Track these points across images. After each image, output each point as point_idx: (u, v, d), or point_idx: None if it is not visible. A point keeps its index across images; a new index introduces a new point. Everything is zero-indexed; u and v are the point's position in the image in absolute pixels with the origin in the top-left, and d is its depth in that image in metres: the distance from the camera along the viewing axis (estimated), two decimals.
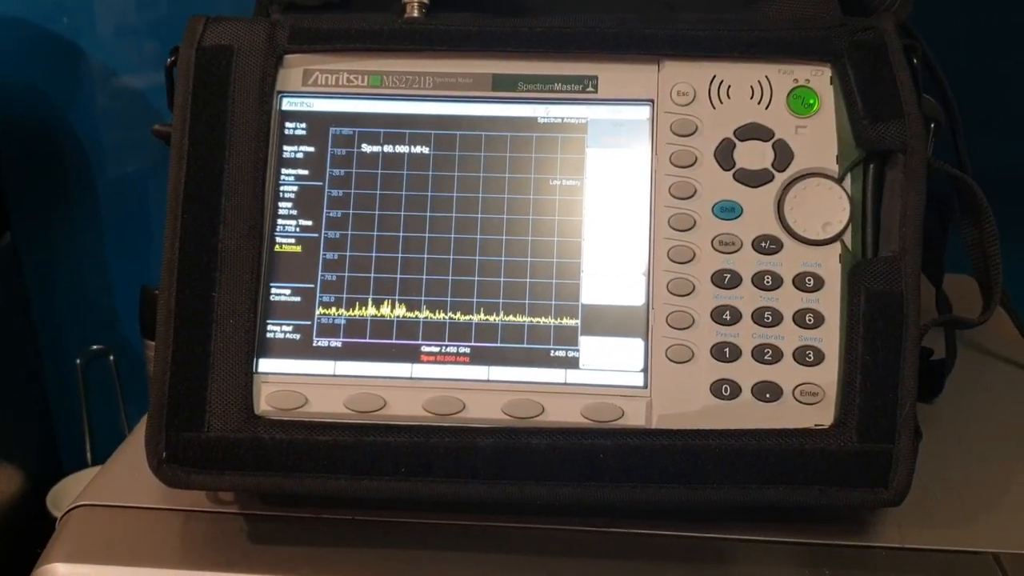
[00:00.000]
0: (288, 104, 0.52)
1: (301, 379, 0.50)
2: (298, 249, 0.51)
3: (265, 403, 0.49)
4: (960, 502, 0.53)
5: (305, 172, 0.52)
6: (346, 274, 0.51)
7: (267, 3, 0.59)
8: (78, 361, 1.09)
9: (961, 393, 0.62)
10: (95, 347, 1.09)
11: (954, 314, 0.53)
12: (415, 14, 0.56)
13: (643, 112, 0.51)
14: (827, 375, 0.48)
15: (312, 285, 0.51)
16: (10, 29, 0.98)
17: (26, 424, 1.08)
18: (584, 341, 0.50)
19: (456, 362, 0.50)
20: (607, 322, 0.50)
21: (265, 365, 0.50)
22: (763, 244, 0.49)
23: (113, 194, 1.05)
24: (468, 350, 0.50)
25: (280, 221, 0.51)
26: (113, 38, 1.00)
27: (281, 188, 0.51)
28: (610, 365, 0.49)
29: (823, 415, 0.48)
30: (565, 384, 0.49)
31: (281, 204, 0.51)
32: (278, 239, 0.51)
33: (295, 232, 0.51)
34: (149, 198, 1.05)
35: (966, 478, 0.55)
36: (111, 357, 1.09)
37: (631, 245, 0.50)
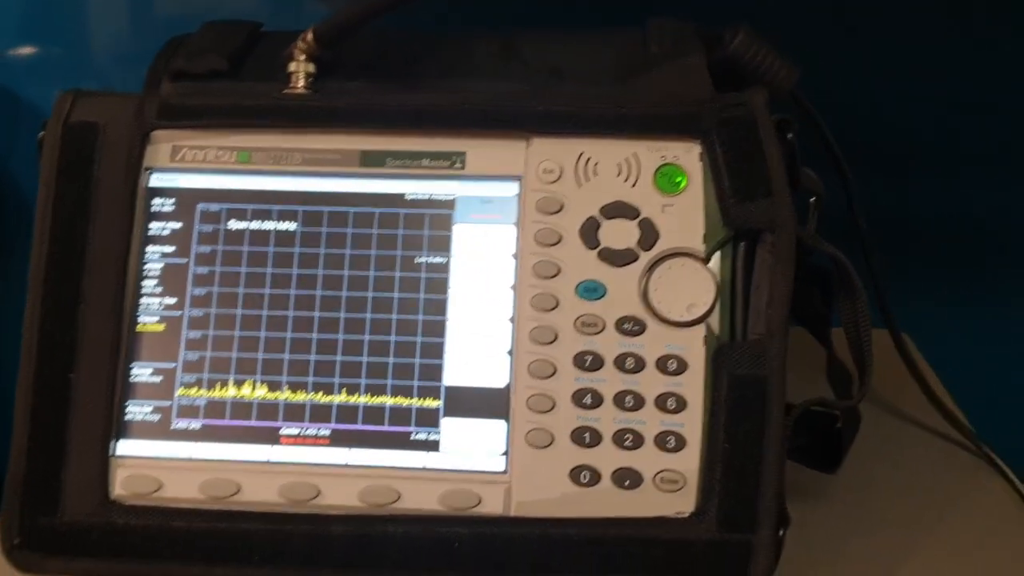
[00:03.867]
0: (156, 180, 0.52)
1: (158, 463, 0.49)
2: (161, 328, 0.50)
3: (120, 487, 0.48)
4: None
5: (171, 249, 0.51)
6: (208, 353, 0.50)
7: (160, 72, 0.59)
8: None
9: (865, 459, 0.61)
10: None
11: (822, 396, 0.53)
12: (300, 83, 0.55)
13: (511, 189, 0.51)
14: (689, 462, 0.47)
15: (173, 364, 0.50)
16: None
17: None
18: (446, 423, 0.49)
19: (316, 444, 0.49)
20: (470, 404, 0.49)
21: (123, 448, 0.49)
22: (626, 325, 0.48)
23: None
24: (328, 432, 0.49)
25: (143, 299, 0.50)
26: (51, 82, 1.00)
27: (145, 266, 0.51)
28: (471, 449, 0.48)
29: (684, 503, 0.47)
30: (424, 469, 0.48)
31: (144, 282, 0.51)
32: (140, 318, 0.50)
33: (159, 310, 0.50)
34: None
35: (861, 553, 0.54)
36: None
37: (496, 325, 0.49)
